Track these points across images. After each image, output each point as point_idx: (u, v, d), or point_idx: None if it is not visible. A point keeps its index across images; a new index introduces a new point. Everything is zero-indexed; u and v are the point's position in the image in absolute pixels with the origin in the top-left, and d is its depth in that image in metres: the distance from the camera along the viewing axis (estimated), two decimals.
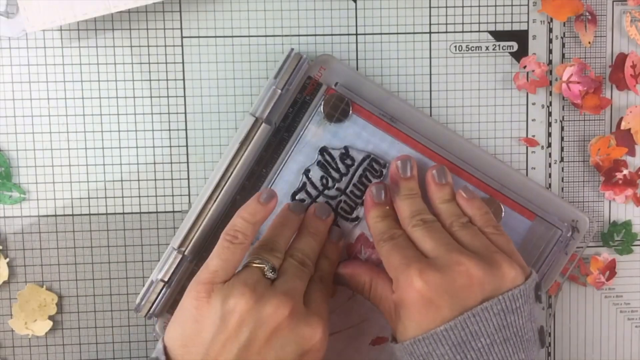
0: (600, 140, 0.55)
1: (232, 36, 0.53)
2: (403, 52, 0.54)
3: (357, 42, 0.53)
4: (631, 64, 0.54)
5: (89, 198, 0.53)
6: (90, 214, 0.53)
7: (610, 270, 0.56)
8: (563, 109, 0.55)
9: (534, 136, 0.55)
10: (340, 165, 0.52)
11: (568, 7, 0.53)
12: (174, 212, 0.53)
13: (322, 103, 0.51)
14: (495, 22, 0.54)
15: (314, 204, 0.51)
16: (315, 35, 0.53)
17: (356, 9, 0.53)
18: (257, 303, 0.44)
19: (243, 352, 0.43)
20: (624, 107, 0.55)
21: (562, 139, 0.55)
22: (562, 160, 0.56)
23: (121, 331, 0.54)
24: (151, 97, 0.53)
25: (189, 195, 0.53)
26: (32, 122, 0.52)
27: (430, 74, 0.54)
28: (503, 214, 0.52)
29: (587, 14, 0.54)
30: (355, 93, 0.52)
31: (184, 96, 0.53)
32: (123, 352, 0.54)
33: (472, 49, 0.54)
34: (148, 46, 0.52)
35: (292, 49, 0.51)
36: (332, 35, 0.53)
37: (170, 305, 0.51)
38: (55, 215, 0.53)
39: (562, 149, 0.55)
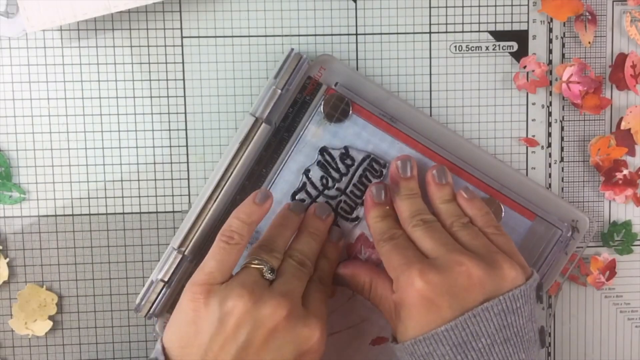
0: (600, 140, 0.55)
1: (232, 36, 0.53)
2: (403, 52, 0.54)
3: (357, 42, 0.53)
4: (631, 64, 0.54)
5: (89, 198, 0.53)
6: (90, 214, 0.53)
7: (610, 270, 0.56)
8: (563, 109, 0.55)
9: (534, 136, 0.55)
10: (340, 165, 0.52)
11: (568, 7, 0.53)
12: (174, 212, 0.53)
13: (322, 103, 0.51)
14: (495, 22, 0.54)
15: (314, 204, 0.51)
16: (315, 35, 0.53)
17: (356, 9, 0.53)
18: (255, 304, 0.44)
19: (241, 354, 0.43)
20: (624, 107, 0.55)
21: (562, 139, 0.55)
22: (562, 160, 0.56)
23: (121, 331, 0.54)
24: (151, 97, 0.53)
25: (189, 195, 0.53)
26: (32, 122, 0.52)
27: (430, 74, 0.54)
28: (503, 214, 0.52)
29: (587, 14, 0.54)
30: (355, 93, 0.52)
31: (184, 96, 0.53)
32: (123, 352, 0.54)
33: (472, 49, 0.54)
34: (148, 46, 0.52)
35: (292, 49, 0.51)
36: (332, 35, 0.53)
37: (170, 305, 0.51)
38: (55, 215, 0.53)
39: (562, 149, 0.55)
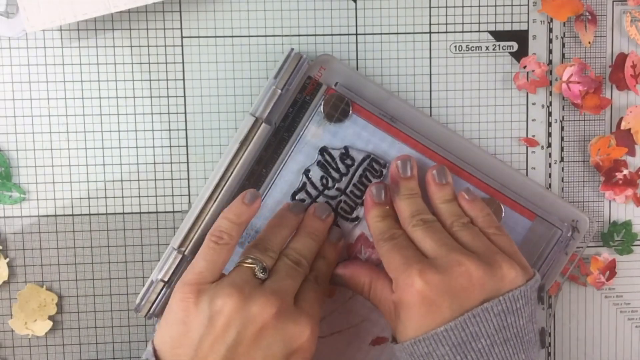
0: (601, 140, 0.55)
1: (232, 36, 0.53)
2: (403, 52, 0.54)
3: (357, 42, 0.53)
4: (631, 64, 0.54)
5: (89, 198, 0.53)
6: (90, 214, 0.53)
7: (610, 270, 0.56)
8: (563, 109, 0.55)
9: (534, 136, 0.55)
10: (340, 165, 0.52)
11: (568, 7, 0.53)
12: (174, 212, 0.53)
13: (322, 103, 0.51)
14: (495, 22, 0.54)
15: (314, 204, 0.51)
16: (315, 35, 0.53)
17: (356, 9, 0.53)
18: (244, 303, 0.44)
19: (231, 352, 0.43)
20: (624, 107, 0.55)
21: (562, 139, 0.55)
22: (562, 160, 0.55)
23: (121, 331, 0.54)
24: (151, 97, 0.53)
25: (189, 195, 0.53)
26: (32, 122, 0.52)
27: (430, 74, 0.54)
28: (503, 214, 0.52)
29: (587, 14, 0.54)
30: (355, 93, 0.52)
31: (184, 96, 0.53)
32: (123, 352, 0.54)
33: (472, 49, 0.54)
34: (148, 46, 0.52)
35: (292, 49, 0.51)
36: (332, 35, 0.53)
37: None
38: (55, 215, 0.53)
39: (562, 149, 0.55)
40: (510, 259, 0.45)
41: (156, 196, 0.53)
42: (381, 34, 0.53)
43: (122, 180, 0.53)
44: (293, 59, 0.50)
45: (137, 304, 0.51)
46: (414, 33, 0.53)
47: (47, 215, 0.53)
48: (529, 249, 0.52)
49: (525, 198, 0.52)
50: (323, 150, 0.52)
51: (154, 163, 0.53)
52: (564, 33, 0.55)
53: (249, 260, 0.46)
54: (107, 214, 0.53)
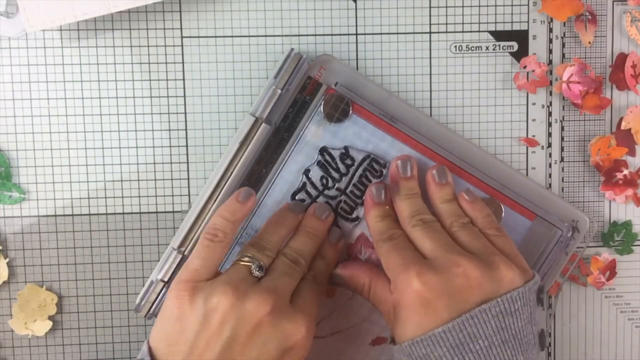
0: (601, 140, 0.55)
1: (232, 36, 0.53)
2: (403, 52, 0.54)
3: (357, 42, 0.53)
4: (631, 64, 0.54)
5: (89, 198, 0.53)
6: (90, 214, 0.53)
7: (611, 270, 0.56)
8: (563, 109, 0.55)
9: (534, 136, 0.55)
10: (340, 165, 0.52)
11: (568, 7, 0.53)
12: (174, 212, 0.53)
13: (322, 103, 0.51)
14: (496, 22, 0.54)
15: (314, 204, 0.51)
16: (315, 35, 0.53)
17: (356, 9, 0.53)
18: (239, 300, 0.44)
19: (226, 350, 0.43)
20: (624, 107, 0.55)
21: (562, 139, 0.55)
22: (562, 160, 0.55)
23: (121, 331, 0.54)
24: (151, 97, 0.53)
25: (189, 195, 0.53)
26: (32, 122, 0.52)
27: (430, 74, 0.54)
28: (503, 214, 0.52)
29: (587, 13, 0.54)
30: (355, 93, 0.52)
31: (184, 96, 0.53)
32: (123, 352, 0.54)
33: (472, 49, 0.54)
34: (148, 46, 0.52)
35: (292, 49, 0.51)
36: (332, 35, 0.53)
37: None
38: (55, 215, 0.53)
39: (562, 149, 0.55)
40: (509, 261, 0.45)
41: (156, 196, 0.53)
42: (381, 34, 0.53)
43: (122, 180, 0.53)
44: (293, 59, 0.50)
45: (137, 304, 0.51)
46: (414, 33, 0.53)
47: (47, 215, 0.53)
48: (529, 249, 0.52)
49: (525, 198, 0.52)
50: (323, 150, 0.52)
51: (154, 163, 0.53)
52: (564, 33, 0.55)
53: (246, 259, 0.46)
54: (107, 214, 0.53)
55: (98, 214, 0.53)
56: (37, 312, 0.53)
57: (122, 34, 0.52)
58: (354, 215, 0.52)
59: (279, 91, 0.50)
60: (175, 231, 0.52)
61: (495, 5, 0.54)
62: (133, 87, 0.52)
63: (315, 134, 0.52)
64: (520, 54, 0.54)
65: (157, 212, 0.53)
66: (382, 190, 0.50)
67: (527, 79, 0.54)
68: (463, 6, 0.54)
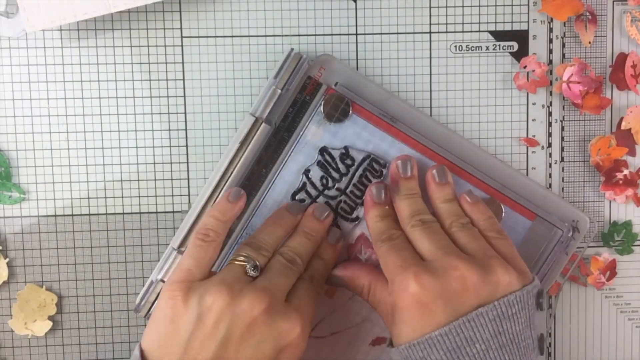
0: (601, 140, 0.55)
1: (232, 36, 0.53)
2: (403, 52, 0.54)
3: (357, 42, 0.53)
4: (631, 64, 0.54)
5: (88, 198, 0.53)
6: (90, 214, 0.53)
7: (611, 270, 0.56)
8: (563, 109, 0.55)
9: (534, 136, 0.55)
10: (340, 165, 0.52)
11: (568, 7, 0.53)
12: (174, 212, 0.53)
13: (322, 103, 0.51)
14: (496, 22, 0.54)
15: (314, 205, 0.51)
16: (315, 35, 0.53)
17: (356, 9, 0.53)
18: (234, 299, 0.43)
19: (221, 349, 0.43)
20: (624, 107, 0.55)
21: (562, 139, 0.55)
22: (562, 160, 0.55)
23: (121, 331, 0.54)
24: (151, 97, 0.53)
25: (189, 195, 0.53)
26: (32, 122, 0.52)
27: (430, 74, 0.54)
28: (503, 214, 0.52)
29: (588, 13, 0.54)
30: (355, 93, 0.52)
31: (184, 96, 0.53)
32: (123, 352, 0.54)
33: (472, 49, 0.54)
34: (148, 46, 0.52)
35: (292, 49, 0.51)
36: (332, 35, 0.53)
37: None
38: (55, 215, 0.53)
39: (562, 149, 0.55)
40: (506, 264, 0.45)
41: (156, 196, 0.53)
42: (381, 34, 0.53)
43: (122, 180, 0.53)
44: (293, 59, 0.50)
45: (137, 304, 0.51)
46: (414, 33, 0.53)
47: (47, 216, 0.53)
48: (529, 249, 0.52)
49: (525, 198, 0.52)
50: (323, 150, 0.52)
51: (154, 163, 0.53)
52: (564, 33, 0.54)
53: (241, 258, 0.46)
54: (107, 214, 0.53)
55: (98, 214, 0.53)
56: (37, 312, 0.53)
57: (122, 34, 0.52)
58: (354, 216, 0.52)
59: (279, 91, 0.50)
60: (175, 231, 0.52)
61: (495, 5, 0.54)
62: (133, 87, 0.52)
63: (315, 134, 0.52)
64: (520, 54, 0.54)
65: (157, 212, 0.53)
66: (382, 190, 0.50)
67: (527, 79, 0.54)
68: (463, 6, 0.54)
